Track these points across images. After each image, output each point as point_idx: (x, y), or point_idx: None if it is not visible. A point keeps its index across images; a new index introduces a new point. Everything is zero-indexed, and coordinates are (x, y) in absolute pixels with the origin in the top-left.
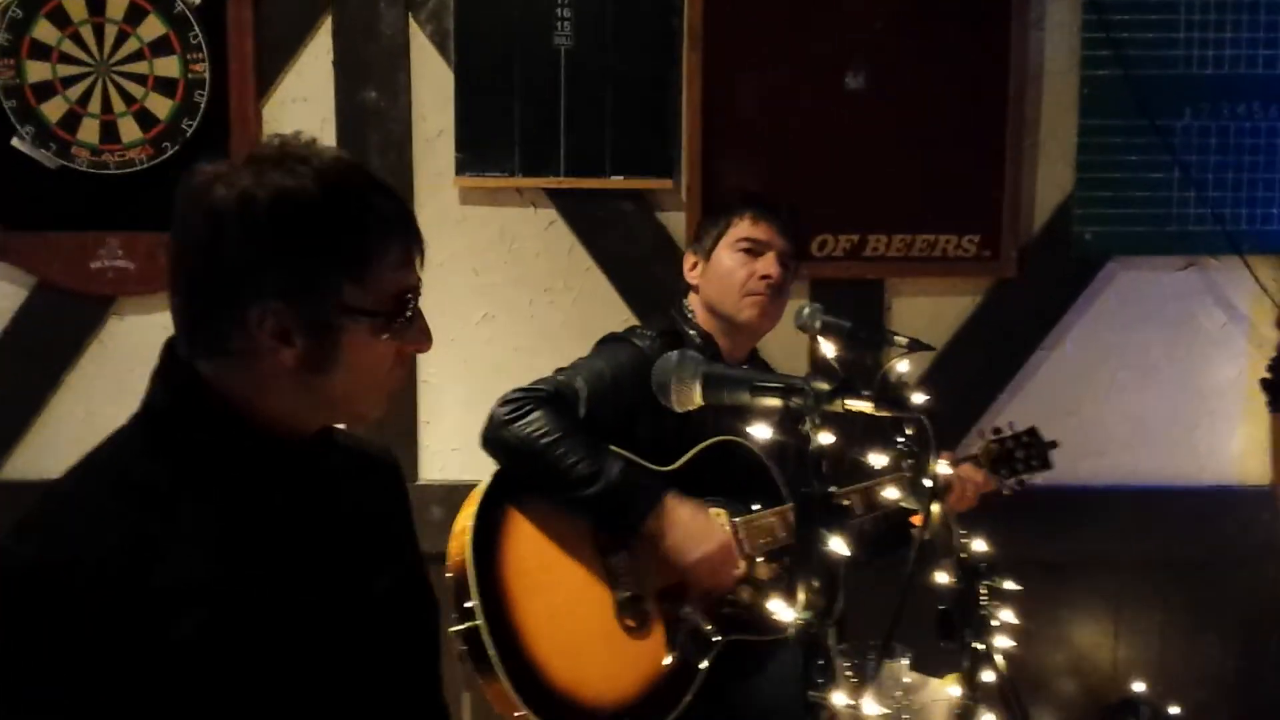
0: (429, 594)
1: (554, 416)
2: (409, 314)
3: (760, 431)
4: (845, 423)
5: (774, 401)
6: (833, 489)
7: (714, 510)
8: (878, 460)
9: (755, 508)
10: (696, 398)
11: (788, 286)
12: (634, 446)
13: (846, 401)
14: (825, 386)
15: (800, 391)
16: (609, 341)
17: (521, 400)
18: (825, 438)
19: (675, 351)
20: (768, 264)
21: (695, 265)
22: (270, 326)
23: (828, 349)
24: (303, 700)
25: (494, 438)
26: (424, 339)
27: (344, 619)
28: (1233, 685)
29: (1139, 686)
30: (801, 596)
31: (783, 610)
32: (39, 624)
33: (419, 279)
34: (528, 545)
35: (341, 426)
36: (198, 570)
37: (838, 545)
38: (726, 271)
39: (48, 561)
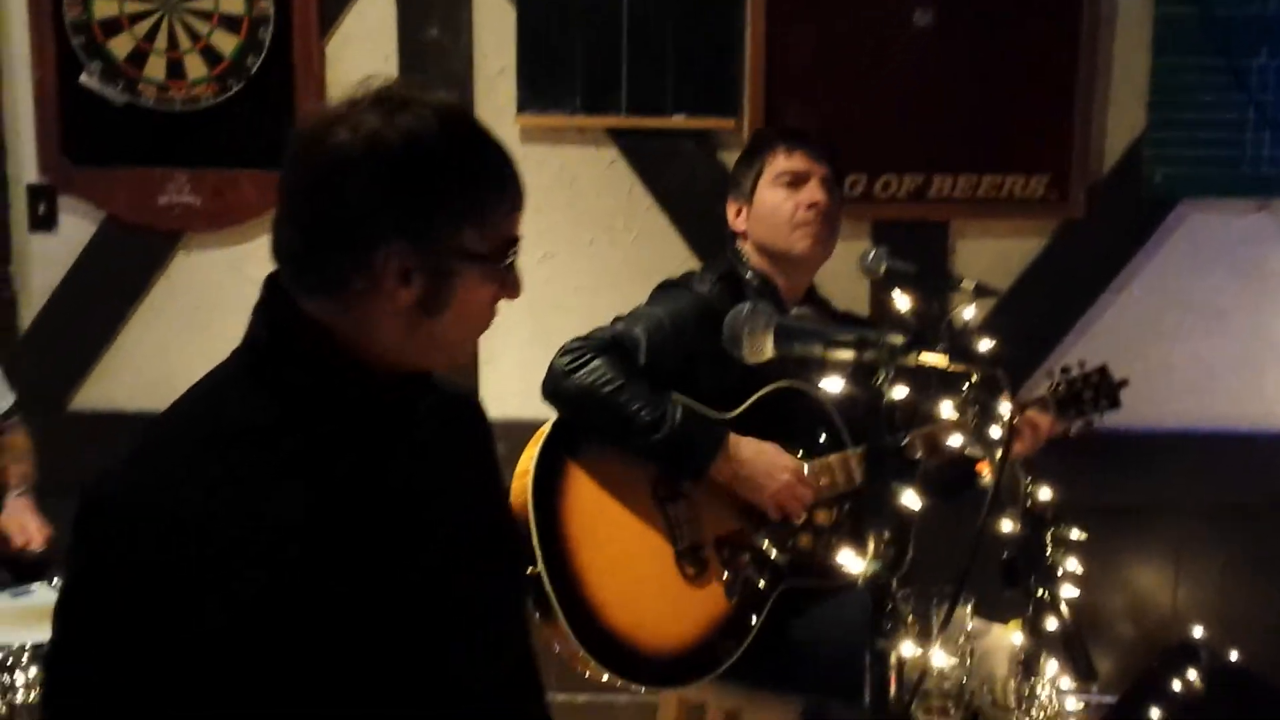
0: (514, 539)
1: (615, 365)
2: (512, 261)
3: (832, 384)
4: (918, 374)
5: (847, 355)
6: (905, 442)
7: None
8: (947, 409)
9: (813, 454)
10: (769, 349)
11: (837, 212)
12: (695, 393)
13: (921, 355)
14: (899, 340)
15: (874, 345)
16: (666, 288)
17: (581, 350)
18: (899, 391)
19: (747, 303)
20: (812, 191)
21: (740, 212)
22: (394, 268)
23: (902, 301)
24: (390, 641)
25: (555, 389)
26: (519, 287)
27: (434, 562)
28: None
29: (1198, 631)
30: (871, 547)
31: (851, 561)
32: (140, 557)
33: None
34: (587, 493)
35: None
36: (295, 511)
37: (909, 498)
38: (771, 208)
39: (148, 494)
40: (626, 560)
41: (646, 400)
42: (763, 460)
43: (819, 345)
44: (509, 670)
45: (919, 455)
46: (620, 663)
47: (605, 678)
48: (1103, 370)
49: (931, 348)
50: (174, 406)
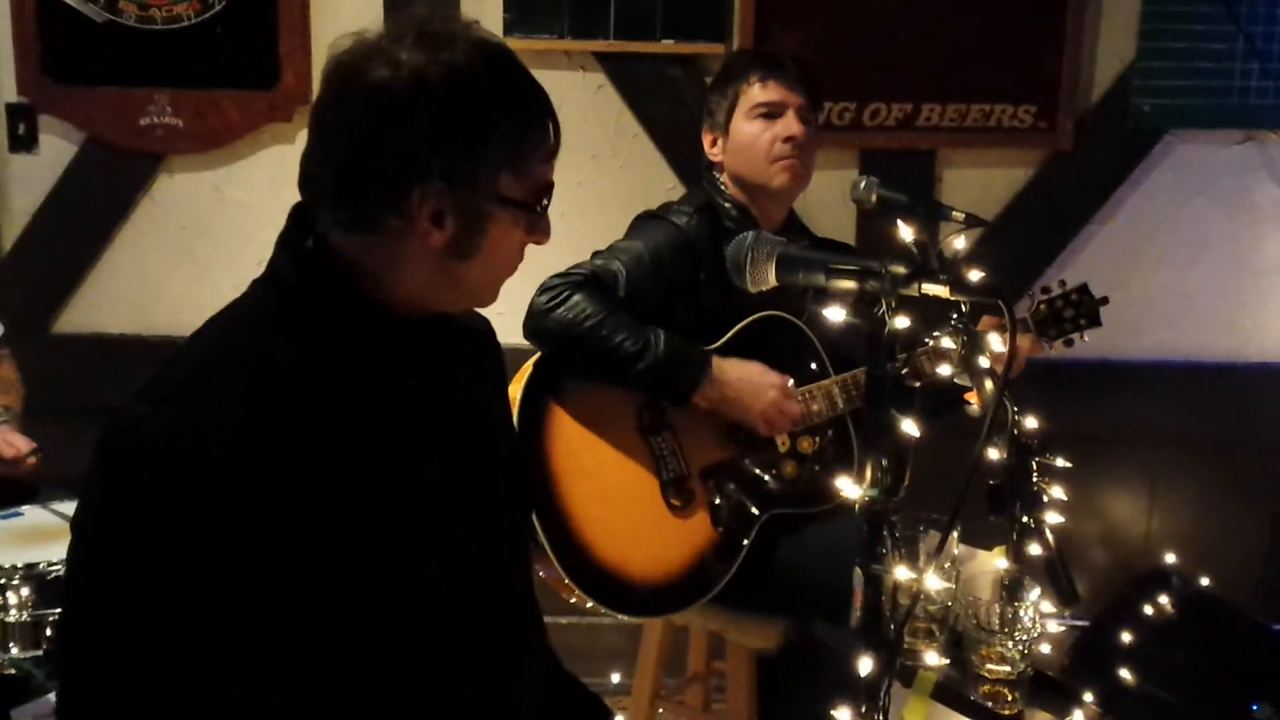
0: (524, 476)
1: (594, 299)
2: (545, 206)
3: (834, 314)
4: (918, 304)
5: (849, 284)
6: (904, 370)
7: None
8: (942, 339)
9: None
10: (771, 278)
11: (813, 141)
12: (676, 325)
13: (923, 285)
14: (902, 269)
15: (876, 274)
16: (644, 220)
17: (560, 287)
18: (900, 321)
19: (750, 232)
20: (788, 124)
21: (715, 141)
22: (429, 209)
23: (905, 232)
24: (408, 580)
25: (536, 327)
26: (548, 233)
27: (455, 502)
28: (1265, 558)
29: (1170, 558)
30: (869, 473)
31: (848, 487)
32: (163, 493)
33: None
34: (571, 429)
35: None
36: (318, 449)
37: (908, 426)
38: (748, 141)
39: (179, 431)
40: (613, 494)
41: (629, 331)
42: (749, 379)
43: (821, 274)
44: (523, 603)
45: (917, 383)
46: (609, 595)
47: (591, 605)
48: (1083, 288)
49: (933, 278)
50: (197, 340)
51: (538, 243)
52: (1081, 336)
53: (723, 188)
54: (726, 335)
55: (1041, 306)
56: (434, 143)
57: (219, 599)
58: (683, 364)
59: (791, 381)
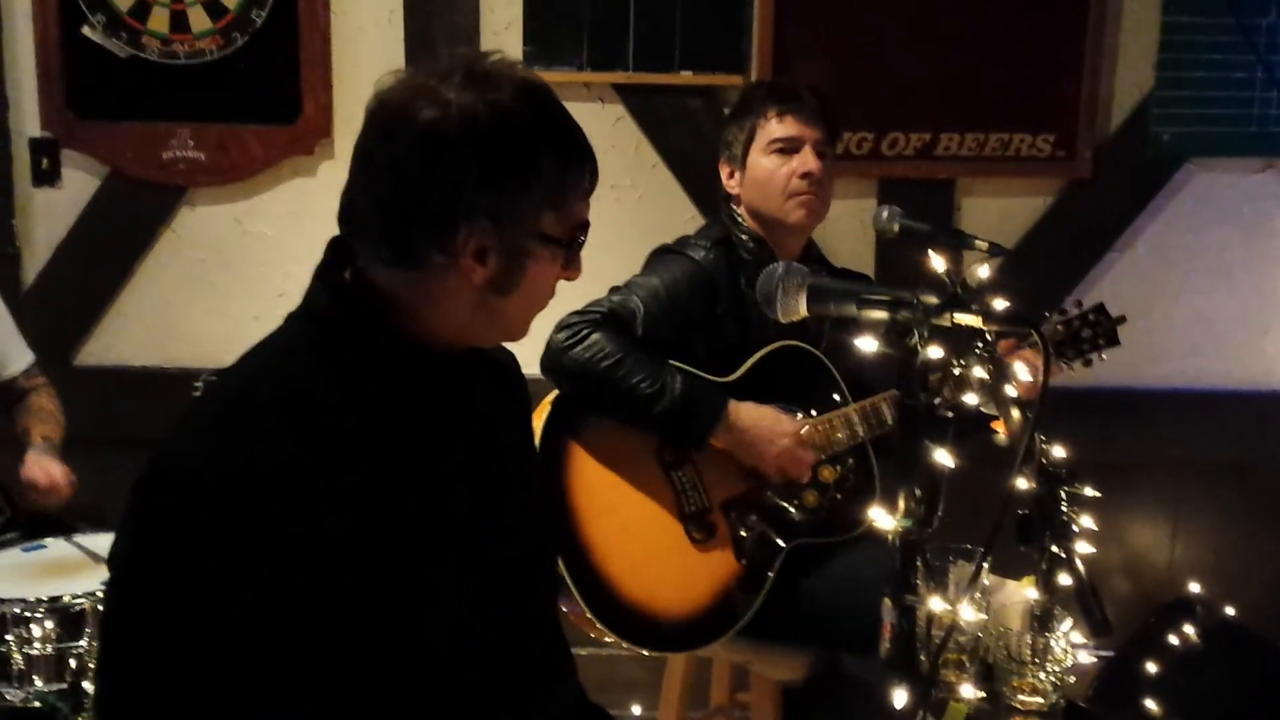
0: (548, 508)
1: (612, 338)
2: (581, 244)
3: (865, 344)
4: (950, 334)
5: (881, 314)
6: (938, 400)
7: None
8: (972, 369)
9: (813, 413)
10: (802, 309)
11: (830, 174)
12: (693, 360)
13: (956, 315)
14: (934, 300)
15: (908, 304)
16: (661, 255)
17: (578, 325)
18: (933, 351)
19: (780, 263)
20: (805, 160)
21: (732, 174)
22: (474, 245)
23: (937, 261)
24: (434, 606)
25: (553, 364)
26: (580, 269)
27: (480, 531)
28: None
29: (1195, 587)
30: (901, 503)
31: (881, 516)
32: (203, 523)
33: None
34: (592, 466)
35: None
36: (349, 478)
37: (942, 456)
38: (765, 176)
39: (217, 463)
40: (635, 529)
41: (645, 372)
42: (763, 426)
43: (853, 305)
44: (548, 632)
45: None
46: (634, 631)
47: (613, 640)
48: (1099, 308)
49: (965, 308)
50: (233, 373)
51: (569, 279)
52: (1100, 356)
53: (740, 220)
54: (744, 367)
55: (1059, 328)
56: (481, 182)
57: (252, 626)
58: (698, 408)
59: (808, 426)
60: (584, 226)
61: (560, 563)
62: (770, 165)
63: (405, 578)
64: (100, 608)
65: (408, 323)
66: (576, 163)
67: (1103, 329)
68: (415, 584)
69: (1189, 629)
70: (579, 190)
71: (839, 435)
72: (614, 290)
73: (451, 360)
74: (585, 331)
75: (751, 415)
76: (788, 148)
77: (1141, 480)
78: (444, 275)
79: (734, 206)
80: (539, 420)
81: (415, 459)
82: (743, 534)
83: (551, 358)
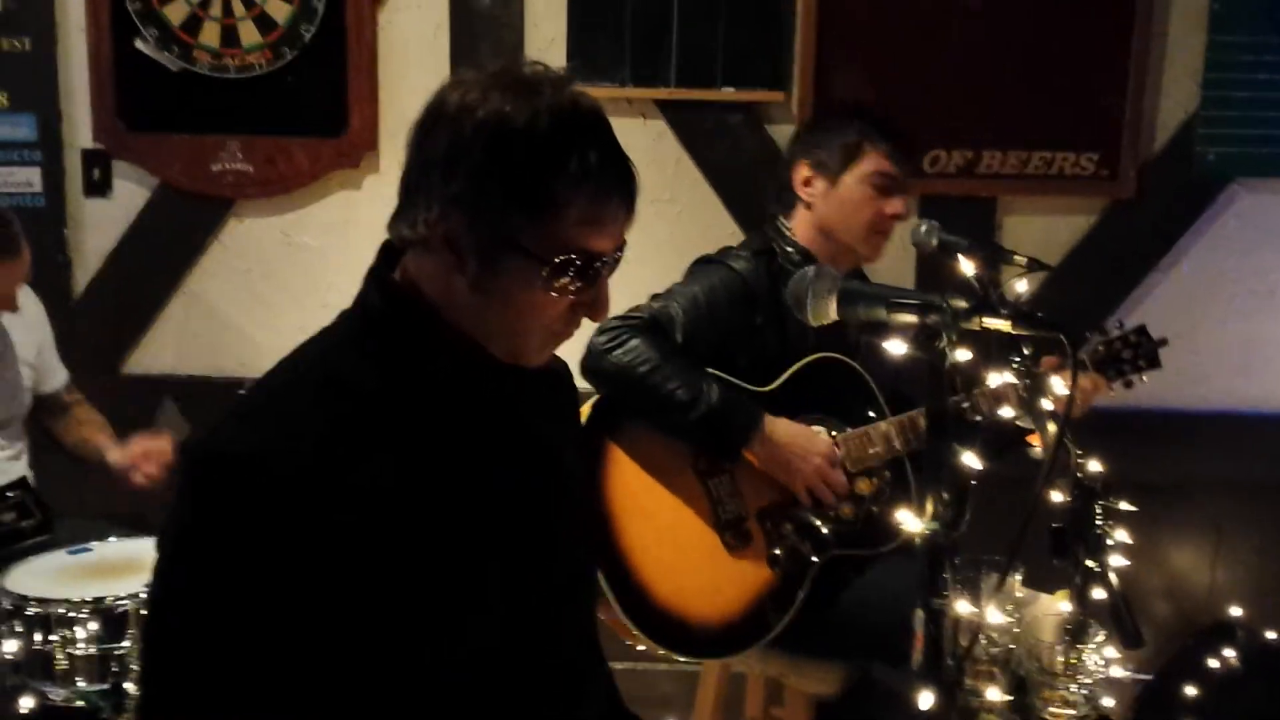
0: (588, 519)
1: (651, 344)
2: (580, 274)
3: (895, 347)
4: (979, 339)
5: (910, 318)
6: (965, 404)
7: (814, 428)
8: (1003, 377)
9: (847, 429)
10: (832, 312)
11: None
12: (733, 369)
13: (984, 319)
14: (963, 304)
15: (938, 308)
16: (702, 265)
17: (619, 329)
18: (961, 354)
19: (812, 266)
20: (897, 205)
21: (812, 181)
22: (441, 229)
23: (966, 266)
24: (470, 608)
25: (593, 367)
26: (597, 309)
27: (519, 535)
28: None
29: (1236, 611)
30: (929, 507)
31: (909, 520)
32: (250, 506)
33: (612, 248)
34: (630, 469)
35: None
36: (392, 474)
37: (969, 460)
38: (856, 206)
39: (261, 451)
40: (670, 535)
41: (683, 379)
42: (797, 444)
43: (882, 308)
44: (583, 641)
45: (979, 418)
46: (668, 636)
47: (645, 648)
48: (1141, 330)
49: (994, 313)
50: (284, 365)
51: (589, 317)
52: (1141, 378)
53: (786, 232)
54: (782, 378)
55: (1100, 348)
56: (457, 166)
57: (292, 610)
58: (734, 418)
59: (842, 437)
60: (580, 253)
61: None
62: (865, 196)
63: (443, 576)
64: (143, 610)
65: (457, 321)
66: (571, 181)
67: (1144, 350)
68: (453, 583)
69: (1229, 652)
70: (570, 212)
71: (875, 449)
72: (655, 297)
73: (503, 364)
74: (625, 336)
75: (786, 432)
76: (889, 186)
77: (1182, 502)
78: (429, 260)
79: (782, 219)
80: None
81: (457, 455)
82: (777, 544)
83: (592, 359)
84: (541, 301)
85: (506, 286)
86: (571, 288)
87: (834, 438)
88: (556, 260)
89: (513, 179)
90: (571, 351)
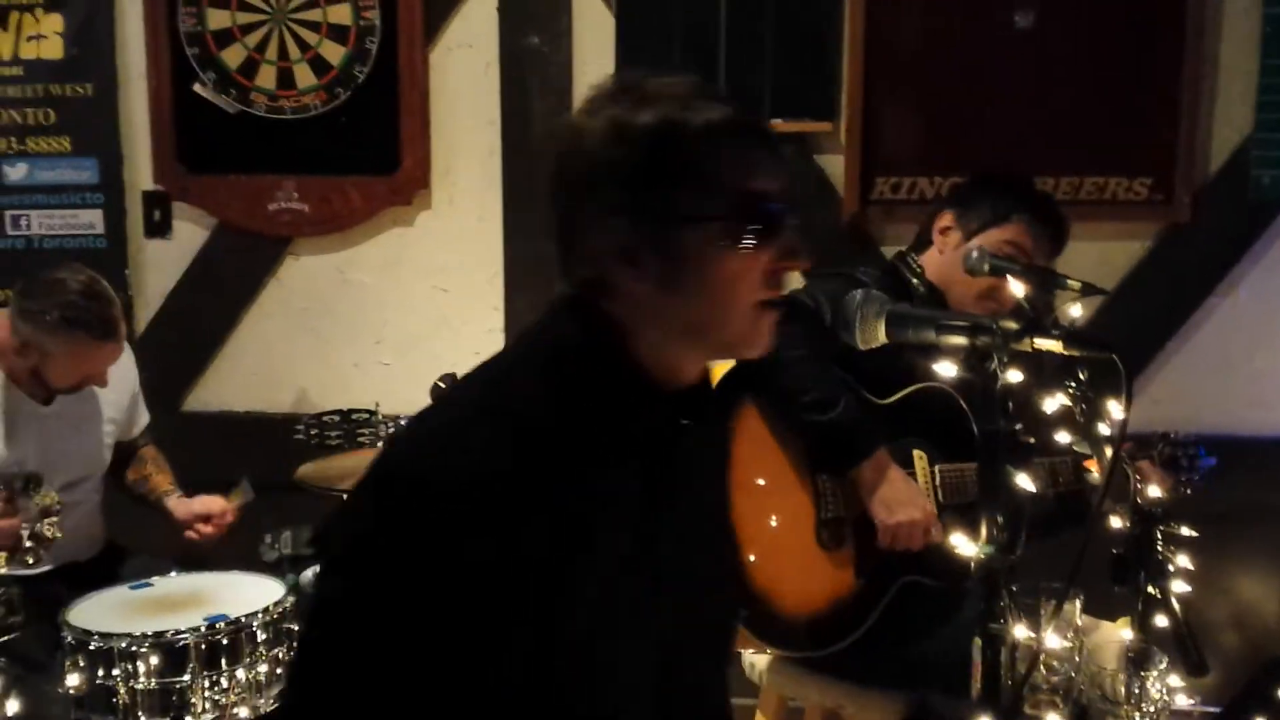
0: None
1: (804, 333)
2: (759, 219)
3: (945, 369)
4: (1033, 363)
5: (960, 340)
6: (1018, 427)
7: (915, 453)
8: (1055, 403)
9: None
10: (880, 335)
11: None
12: (854, 371)
13: (1035, 340)
14: (1013, 325)
15: (988, 330)
16: (823, 275)
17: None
18: (1013, 375)
19: (860, 289)
20: (1009, 291)
21: (949, 232)
22: (614, 246)
23: (1017, 288)
24: (629, 655)
25: None
26: (795, 256)
27: (680, 585)
28: None
29: None
30: (984, 530)
31: (965, 545)
32: (432, 538)
33: (778, 189)
34: (747, 443)
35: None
36: (573, 510)
37: (1023, 482)
38: (971, 277)
39: (462, 481)
40: (771, 516)
41: (823, 382)
42: (905, 488)
43: (931, 330)
44: (719, 699)
45: (1031, 439)
46: (755, 619)
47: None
48: (1197, 442)
49: (1045, 333)
50: (484, 391)
51: (788, 266)
52: (1186, 489)
53: (916, 266)
54: (898, 395)
55: (1165, 449)
56: (593, 181)
57: (461, 641)
58: (855, 440)
59: (939, 469)
60: (753, 195)
61: None
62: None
63: (607, 623)
64: (203, 644)
65: (656, 351)
66: (724, 141)
67: (1196, 466)
68: (614, 630)
69: None
70: (736, 163)
71: (971, 488)
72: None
73: (679, 399)
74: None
75: (895, 474)
76: (1017, 260)
77: (1250, 530)
78: (623, 297)
79: (913, 255)
80: (717, 371)
81: (629, 500)
82: (865, 553)
83: None
84: (735, 269)
85: (696, 268)
86: (757, 240)
87: (934, 470)
88: (729, 213)
89: (649, 158)
90: None
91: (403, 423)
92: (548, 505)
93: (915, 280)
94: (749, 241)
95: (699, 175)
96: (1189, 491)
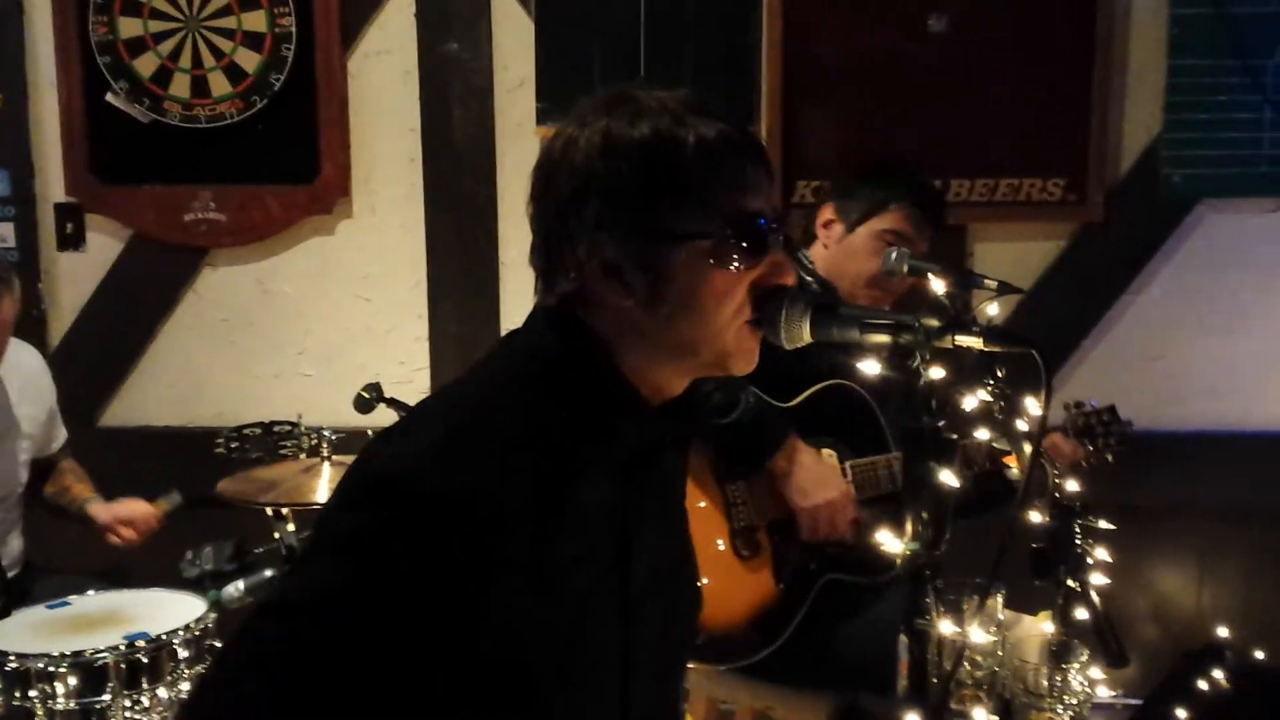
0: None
1: None
2: (745, 237)
3: (869, 367)
4: (952, 360)
5: (883, 338)
6: (941, 423)
7: (825, 451)
8: (974, 400)
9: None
10: (805, 334)
11: None
12: (756, 380)
13: (956, 336)
14: (935, 322)
15: (910, 328)
16: None
17: None
18: (935, 373)
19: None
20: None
21: (831, 226)
22: (596, 261)
23: (937, 285)
24: (603, 659)
25: None
26: (781, 274)
27: (646, 604)
28: None
29: (1223, 632)
30: (909, 527)
31: (890, 541)
32: (431, 546)
33: (767, 208)
34: None
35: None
36: (554, 522)
37: (947, 478)
38: (860, 260)
39: (454, 489)
40: None
41: (721, 383)
42: (819, 471)
43: (855, 329)
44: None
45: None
46: None
47: None
48: (1112, 409)
49: (966, 330)
50: (470, 400)
51: (775, 281)
52: (1109, 457)
53: (807, 263)
54: (801, 396)
55: (1078, 418)
56: (586, 191)
57: (448, 653)
58: (766, 431)
59: (851, 465)
60: (742, 217)
61: None
62: (868, 253)
63: (580, 633)
64: (123, 663)
65: (639, 364)
66: (696, 153)
67: (1114, 430)
68: (586, 639)
69: (1218, 674)
70: (725, 181)
71: (881, 481)
72: None
73: (662, 413)
74: None
75: (808, 459)
76: (895, 244)
77: (1166, 525)
78: (601, 305)
79: (804, 251)
80: None
81: (608, 517)
82: (783, 558)
83: None
84: (721, 286)
85: (681, 285)
86: (743, 257)
87: (845, 465)
88: (716, 230)
89: (641, 173)
90: None
91: (326, 434)
92: (530, 516)
93: (809, 277)
94: (737, 260)
95: (691, 192)
96: (1110, 458)
